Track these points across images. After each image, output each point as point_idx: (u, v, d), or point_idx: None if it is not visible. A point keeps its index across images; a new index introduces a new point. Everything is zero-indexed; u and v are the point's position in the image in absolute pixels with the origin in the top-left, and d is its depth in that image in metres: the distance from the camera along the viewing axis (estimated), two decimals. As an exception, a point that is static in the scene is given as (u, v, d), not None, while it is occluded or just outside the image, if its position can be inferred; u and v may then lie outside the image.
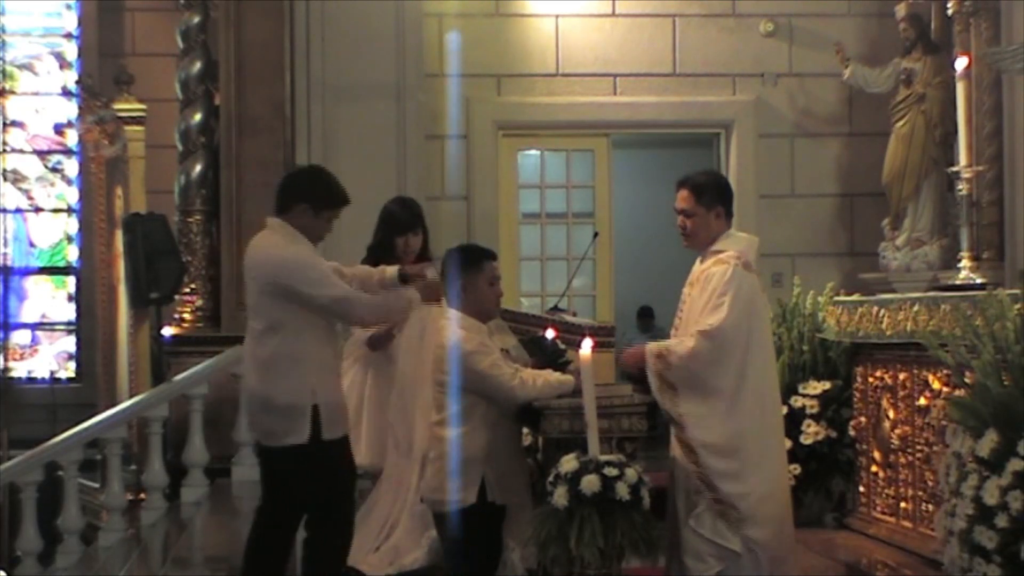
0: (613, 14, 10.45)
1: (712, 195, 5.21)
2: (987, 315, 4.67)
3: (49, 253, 13.25)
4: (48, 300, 13.24)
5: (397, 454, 6.13)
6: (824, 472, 7.08)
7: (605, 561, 4.70)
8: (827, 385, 7.10)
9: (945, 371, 5.78)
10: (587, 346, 4.82)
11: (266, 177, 9.55)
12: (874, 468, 6.72)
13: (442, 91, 10.11)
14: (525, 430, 5.54)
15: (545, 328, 5.70)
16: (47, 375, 13.02)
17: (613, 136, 10.62)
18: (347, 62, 9.34)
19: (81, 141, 12.35)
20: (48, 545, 8.75)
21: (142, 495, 8.94)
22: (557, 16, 10.38)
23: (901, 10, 9.81)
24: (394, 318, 5.78)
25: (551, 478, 4.79)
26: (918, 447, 6.29)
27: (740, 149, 10.50)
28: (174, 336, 9.70)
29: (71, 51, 13.27)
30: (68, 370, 13.06)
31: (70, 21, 13.28)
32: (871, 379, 6.73)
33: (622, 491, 4.67)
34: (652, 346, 5.14)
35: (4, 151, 12.97)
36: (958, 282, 6.04)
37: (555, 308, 6.44)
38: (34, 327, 13.18)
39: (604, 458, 4.76)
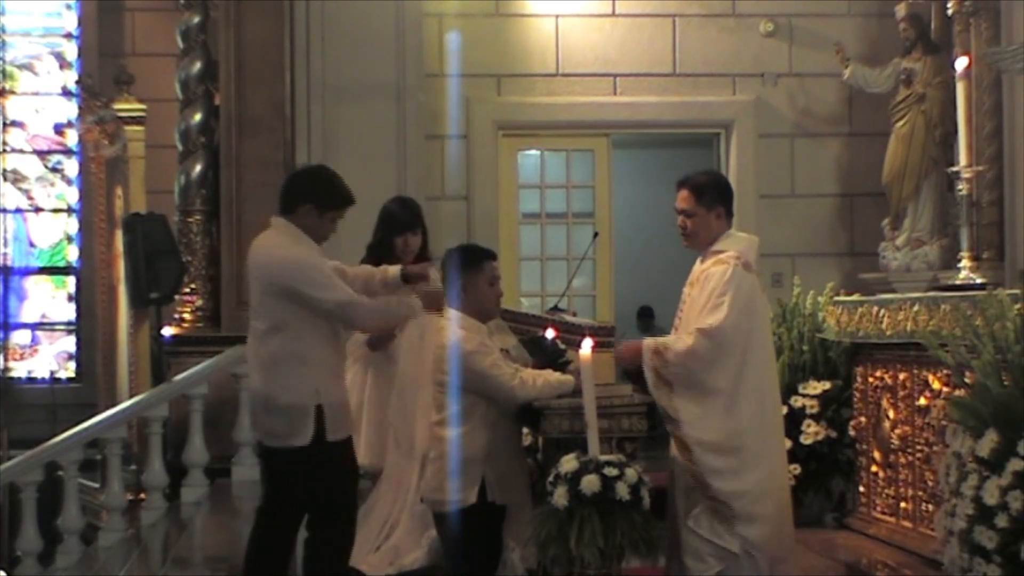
0: (613, 14, 10.45)
1: (712, 195, 5.21)
2: (987, 315, 4.67)
3: (49, 253, 13.26)
4: (48, 300, 13.24)
5: (398, 454, 6.13)
6: (824, 472, 7.08)
7: (605, 561, 4.70)
8: (827, 385, 7.10)
9: (945, 371, 5.78)
10: (587, 346, 4.82)
11: (266, 177, 9.57)
12: (874, 468, 6.72)
13: (442, 91, 10.11)
14: (525, 430, 5.54)
15: (545, 328, 5.70)
16: (47, 375, 13.02)
17: (613, 136, 10.62)
18: (347, 62, 9.34)
19: (81, 141, 12.36)
20: (48, 545, 8.75)
21: (142, 495, 8.94)
22: (557, 16, 10.38)
23: (901, 10, 9.81)
24: (395, 324, 5.78)
25: (551, 478, 4.79)
26: (918, 447, 6.29)
27: (740, 149, 10.50)
28: (174, 336, 9.70)
29: (71, 51, 13.27)
30: (68, 370, 13.06)
31: (70, 21, 13.28)
32: (871, 379, 6.73)
33: (622, 491, 4.67)
34: (649, 342, 5.14)
35: (4, 151, 12.98)
36: (958, 282, 6.04)
37: (555, 308, 6.44)
38: (34, 327, 13.19)
39: (604, 458, 4.76)
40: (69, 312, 13.14)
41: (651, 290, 12.38)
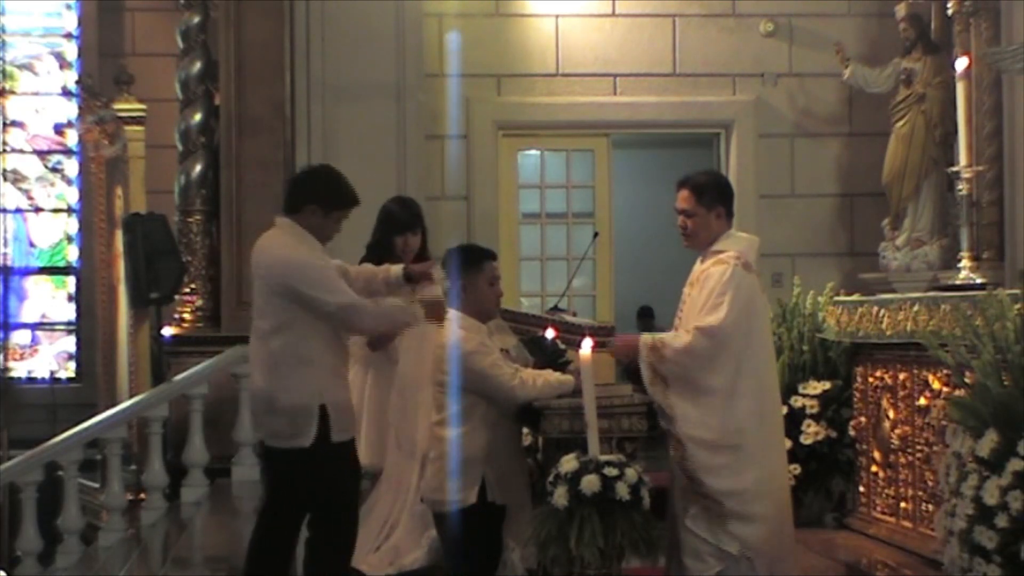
0: (613, 14, 10.45)
1: (713, 195, 5.22)
2: (987, 315, 4.67)
3: (49, 253, 13.25)
4: (48, 300, 13.24)
5: (398, 454, 6.13)
6: (824, 472, 7.08)
7: (605, 561, 4.70)
8: (827, 385, 7.10)
9: (945, 371, 5.79)
10: (587, 346, 4.83)
11: (266, 177, 9.58)
12: (874, 468, 6.72)
13: (442, 91, 10.11)
14: (525, 430, 5.54)
15: (545, 328, 5.70)
16: (47, 375, 13.01)
17: (613, 136, 10.62)
18: (347, 62, 9.34)
19: (81, 141, 12.35)
20: (48, 545, 8.75)
21: (142, 495, 8.94)
22: (557, 16, 10.38)
23: (901, 10, 9.81)
24: (397, 331, 5.77)
25: (551, 478, 4.79)
26: (918, 447, 6.29)
27: (740, 149, 10.50)
28: (174, 336, 9.70)
29: (71, 51, 13.27)
30: (68, 370, 13.06)
31: (70, 21, 13.28)
32: (871, 379, 6.73)
33: (622, 491, 4.67)
34: (646, 337, 5.14)
35: (4, 151, 12.97)
36: (958, 282, 6.04)
37: (555, 308, 6.44)
38: (34, 327, 13.18)
39: (604, 458, 4.76)
40: (69, 312, 13.14)
41: (651, 290, 12.39)
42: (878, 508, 6.68)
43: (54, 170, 13.28)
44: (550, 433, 5.07)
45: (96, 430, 8.78)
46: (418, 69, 9.58)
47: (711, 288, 5.06)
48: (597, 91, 10.43)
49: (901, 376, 6.43)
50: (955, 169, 6.24)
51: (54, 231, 13.27)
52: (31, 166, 13.24)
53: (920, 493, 6.26)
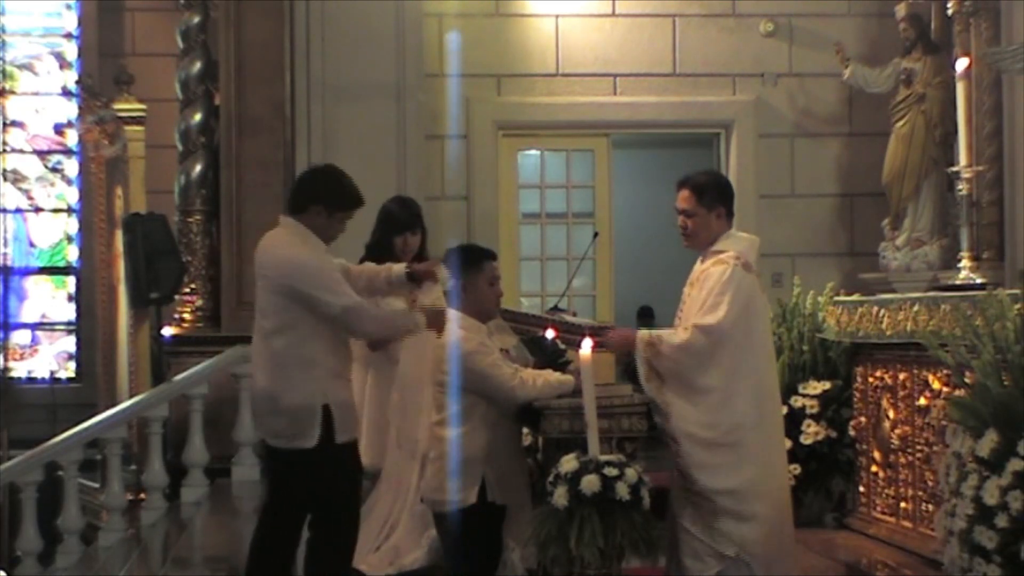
0: (613, 14, 10.45)
1: (713, 195, 5.21)
2: (987, 315, 4.67)
3: (49, 253, 13.25)
4: (48, 300, 13.24)
5: (399, 453, 6.13)
6: (824, 472, 7.08)
7: (605, 561, 4.70)
8: (827, 385, 7.10)
9: (945, 371, 5.79)
10: (587, 346, 4.82)
11: (266, 177, 9.58)
12: (874, 468, 6.72)
13: (442, 91, 10.11)
14: (525, 430, 5.54)
15: (545, 328, 5.70)
16: (47, 375, 13.02)
17: (613, 136, 10.62)
18: (347, 62, 9.34)
19: (81, 141, 12.35)
20: (48, 545, 8.75)
21: (142, 495, 8.94)
22: (557, 16, 10.38)
23: (901, 10, 9.81)
24: (397, 336, 5.75)
25: (551, 478, 4.79)
26: (918, 447, 6.29)
27: (740, 149, 10.50)
28: (174, 336, 9.70)
29: (71, 51, 13.27)
30: (68, 370, 13.06)
31: (70, 21, 13.28)
32: (871, 379, 6.73)
33: (622, 491, 4.67)
34: (643, 333, 5.14)
35: (4, 151, 12.97)
36: (958, 282, 6.04)
37: (555, 308, 6.44)
38: (34, 327, 13.18)
39: (604, 458, 4.76)
40: (69, 312, 13.14)
41: (651, 290, 12.39)
42: (878, 508, 6.68)
43: (54, 170, 13.28)
44: (550, 433, 5.07)
45: (96, 430, 8.78)
46: (418, 69, 9.58)
47: (710, 288, 5.06)
48: (597, 91, 10.43)
49: (901, 376, 6.43)
50: (955, 169, 6.24)
51: (54, 231, 13.27)
52: (31, 166, 13.25)
53: (920, 493, 6.26)
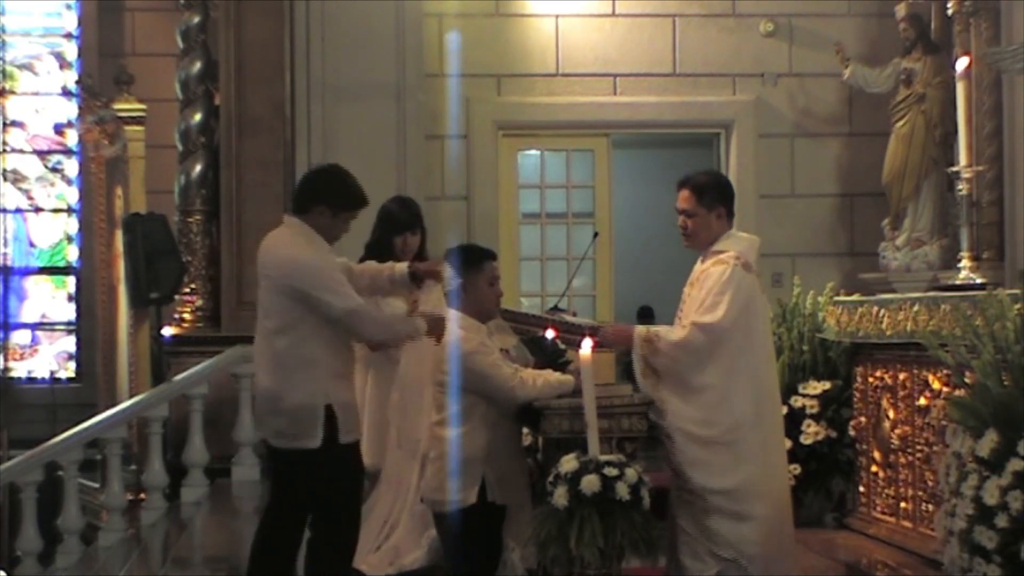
0: (613, 14, 10.45)
1: (713, 195, 5.22)
2: (987, 315, 4.67)
3: (49, 253, 13.25)
4: (48, 300, 13.24)
5: (399, 453, 6.12)
6: (824, 472, 7.08)
7: (605, 561, 4.70)
8: (827, 385, 7.10)
9: (945, 371, 5.79)
10: (587, 346, 4.82)
11: (266, 177, 9.59)
12: (874, 468, 6.72)
13: (442, 91, 10.10)
14: (525, 430, 5.54)
15: (545, 328, 5.70)
16: (47, 375, 13.02)
17: (613, 136, 10.62)
18: (347, 62, 9.34)
19: (81, 141, 12.35)
20: (48, 545, 8.76)
21: (142, 495, 8.95)
22: (557, 16, 10.38)
23: (901, 10, 9.81)
24: (399, 342, 5.74)
25: (551, 478, 4.79)
26: (918, 447, 6.29)
27: (740, 149, 10.50)
28: (174, 336, 9.70)
29: (71, 51, 13.27)
30: (68, 370, 13.06)
31: (70, 21, 13.28)
32: (871, 379, 6.73)
33: (622, 491, 4.67)
34: (641, 329, 5.15)
35: (4, 151, 12.97)
36: (958, 282, 6.04)
37: (555, 308, 6.44)
38: (34, 327, 13.18)
39: (604, 458, 4.76)
40: (69, 312, 13.14)
41: (651, 290, 12.39)
42: (878, 508, 6.68)
43: (54, 170, 13.28)
44: (550, 433, 5.07)
45: (96, 430, 8.78)
46: (418, 69, 9.58)
47: (710, 287, 5.07)
48: (597, 91, 10.42)
49: (901, 376, 6.43)
50: (955, 169, 6.24)
51: (54, 231, 13.27)
52: (31, 166, 13.25)
53: (920, 493, 6.26)
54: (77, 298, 13.04)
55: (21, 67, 13.27)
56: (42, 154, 13.28)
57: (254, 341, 5.35)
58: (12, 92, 13.16)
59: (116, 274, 10.60)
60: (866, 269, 10.02)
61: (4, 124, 12.98)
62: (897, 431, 6.46)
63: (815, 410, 7.06)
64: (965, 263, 6.11)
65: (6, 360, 12.49)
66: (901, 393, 6.44)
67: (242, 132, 9.71)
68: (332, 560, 5.25)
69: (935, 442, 5.97)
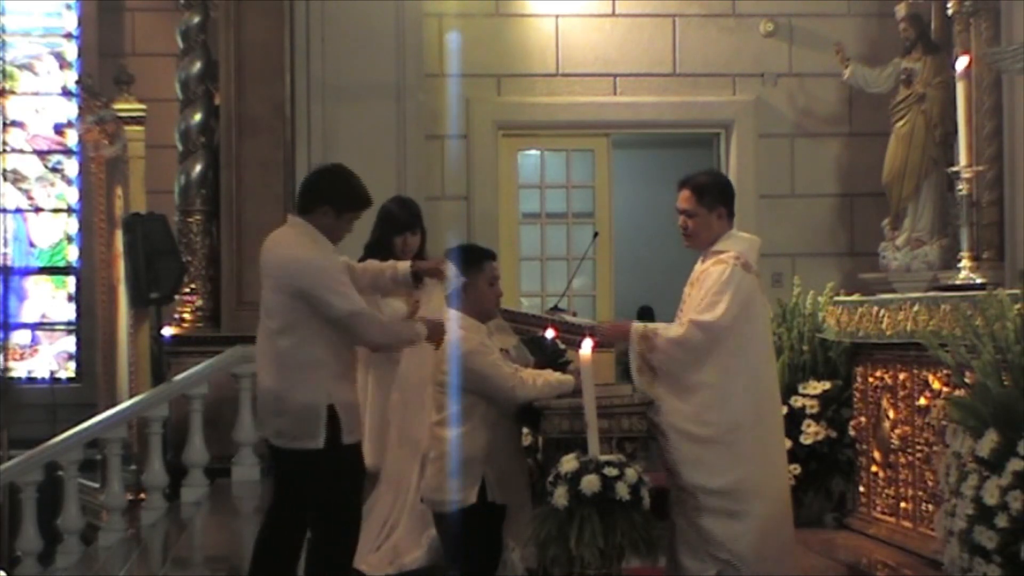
0: (613, 14, 10.44)
1: (714, 196, 5.22)
2: (987, 315, 4.67)
3: (49, 253, 13.26)
4: (48, 300, 13.25)
5: (400, 451, 6.12)
6: (824, 472, 7.08)
7: (605, 561, 4.70)
8: (827, 385, 7.10)
9: (945, 371, 5.78)
10: (587, 346, 4.82)
11: (266, 177, 9.59)
12: (874, 468, 6.72)
13: (442, 91, 10.10)
14: (525, 430, 5.54)
15: (545, 328, 5.70)
16: (47, 375, 13.02)
17: (613, 136, 10.61)
18: (347, 62, 9.34)
19: (81, 141, 12.36)
20: (48, 545, 8.76)
21: (142, 495, 8.95)
22: (557, 16, 10.38)
23: (901, 10, 9.81)
24: (398, 346, 5.74)
25: (551, 478, 4.79)
26: (918, 447, 6.29)
27: (740, 149, 10.50)
28: (174, 336, 9.70)
29: (71, 51, 13.27)
30: (68, 370, 13.06)
31: (70, 21, 13.28)
32: (871, 379, 6.73)
33: (622, 491, 4.67)
34: (638, 326, 5.15)
35: (4, 151, 12.97)
36: (958, 282, 6.03)
37: (555, 308, 6.44)
38: (34, 327, 13.19)
39: (604, 458, 4.76)
40: (69, 312, 13.14)
41: (651, 290, 12.39)
42: (878, 508, 6.67)
43: (54, 170, 13.28)
44: (550, 433, 5.07)
45: (96, 430, 8.78)
46: (418, 69, 9.57)
47: (709, 286, 5.07)
48: (597, 91, 10.42)
49: (901, 376, 6.43)
50: (955, 169, 6.23)
51: (54, 231, 13.28)
52: (31, 166, 13.25)
53: (920, 493, 6.26)
54: (77, 298, 13.05)
55: (21, 67, 13.28)
56: (42, 154, 13.29)
57: (256, 341, 5.33)
58: (12, 92, 13.16)
59: (116, 274, 10.61)
60: (866, 269, 10.02)
61: (4, 124, 12.99)
62: (897, 431, 6.46)
63: (815, 410, 7.06)
64: (965, 263, 6.11)
65: (6, 360, 12.49)
66: (901, 393, 6.44)
67: (242, 132, 9.71)
68: (332, 560, 5.25)
69: (935, 442, 5.97)
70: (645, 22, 10.44)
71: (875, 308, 6.49)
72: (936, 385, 6.07)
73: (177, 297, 9.72)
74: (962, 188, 6.18)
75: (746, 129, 10.49)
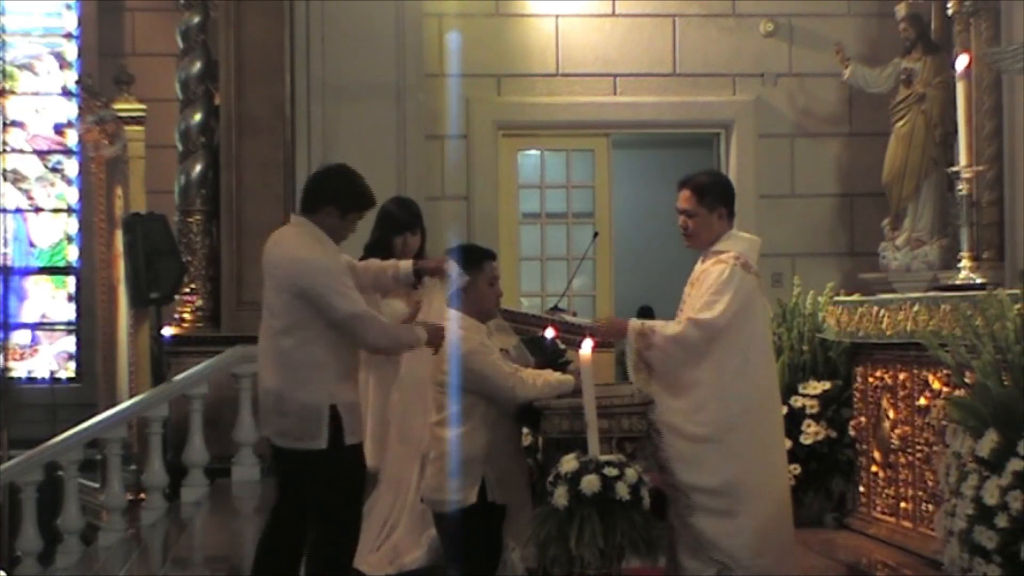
0: (613, 14, 10.44)
1: (714, 196, 5.22)
2: (987, 315, 4.67)
3: (49, 253, 13.26)
4: (48, 300, 13.25)
5: (401, 450, 6.11)
6: (824, 472, 7.08)
7: (605, 561, 4.70)
8: (827, 385, 7.10)
9: (945, 371, 5.78)
10: (587, 346, 4.82)
11: (266, 177, 9.59)
12: (874, 468, 6.72)
13: (442, 91, 10.10)
14: (525, 430, 5.54)
15: (545, 328, 5.70)
16: (47, 375, 13.03)
17: (613, 136, 10.61)
18: (347, 62, 9.34)
19: (81, 141, 12.37)
20: (48, 545, 8.76)
21: (142, 495, 8.95)
22: (557, 16, 10.38)
23: (901, 10, 9.81)
24: (398, 350, 5.73)
25: (551, 478, 4.79)
26: (918, 447, 6.29)
27: (740, 149, 10.50)
28: (174, 336, 9.70)
29: (71, 51, 13.28)
30: (68, 370, 13.07)
31: (70, 21, 13.29)
32: (871, 379, 6.73)
33: (622, 491, 4.67)
34: (635, 323, 5.15)
35: (4, 151, 12.97)
36: (958, 282, 6.03)
37: (555, 308, 6.45)
38: (34, 327, 13.19)
39: (604, 458, 4.76)
40: (69, 312, 13.15)
41: (651, 290, 12.37)
42: (878, 508, 6.67)
43: (54, 170, 13.29)
44: (550, 433, 5.07)
45: (96, 430, 8.79)
46: (418, 69, 9.57)
47: (708, 286, 5.08)
48: (597, 91, 10.42)
49: (901, 376, 6.43)
50: (955, 169, 6.23)
51: (54, 231, 13.28)
52: (31, 166, 13.26)
53: (920, 493, 6.26)
54: (77, 298, 13.05)
55: (21, 67, 13.28)
56: (42, 154, 13.29)
57: (259, 340, 5.32)
58: (12, 92, 13.17)
59: (116, 274, 10.61)
60: (866, 269, 10.02)
61: (4, 124, 12.99)
62: (897, 431, 6.46)
63: (815, 410, 7.06)
64: (965, 263, 6.11)
65: (6, 360, 12.49)
66: (901, 393, 6.43)
67: (242, 132, 9.72)
68: (333, 561, 5.24)
69: (935, 442, 5.97)
70: (645, 22, 10.44)
71: (875, 308, 6.49)
72: (936, 385, 6.07)
73: (177, 297, 9.73)
74: (962, 188, 6.18)
75: (746, 129, 10.49)
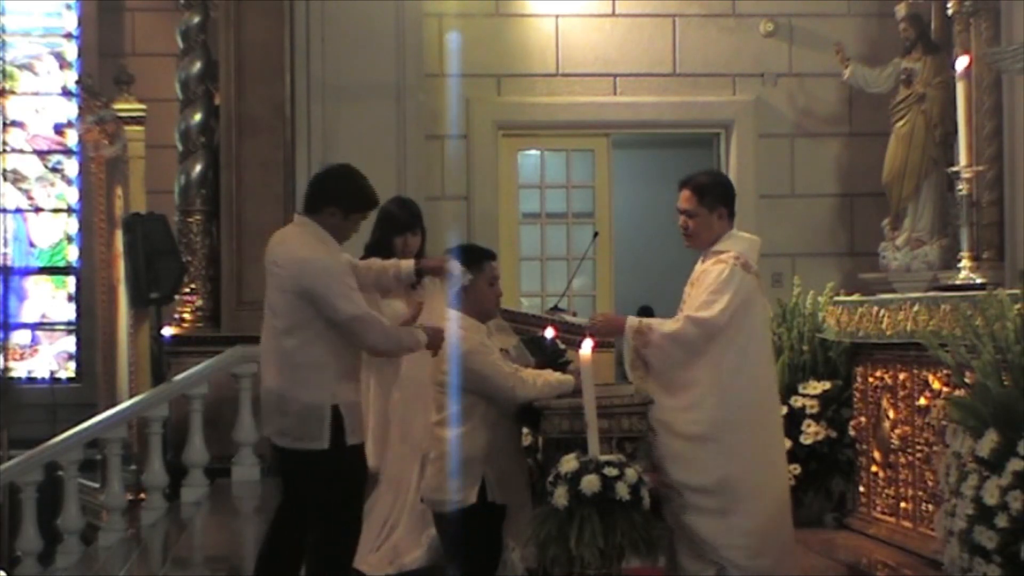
0: (613, 14, 10.45)
1: (714, 196, 5.22)
2: (987, 315, 4.67)
3: (49, 253, 13.26)
4: (48, 300, 13.25)
5: (402, 449, 6.11)
6: (824, 472, 7.08)
7: (605, 561, 4.70)
8: (827, 385, 7.10)
9: (945, 371, 5.78)
10: (587, 346, 4.82)
11: (266, 177, 9.59)
12: (874, 468, 6.72)
13: (442, 91, 10.10)
14: (525, 430, 5.54)
15: (545, 328, 5.70)
16: (47, 375, 13.02)
17: (613, 136, 10.61)
18: (347, 62, 9.34)
19: (81, 141, 12.37)
20: (48, 545, 8.76)
21: (142, 495, 8.95)
22: (557, 16, 10.38)
23: (901, 10, 9.81)
24: (399, 353, 5.72)
25: (551, 478, 4.79)
26: (918, 447, 6.29)
27: (740, 149, 10.50)
28: (174, 336, 9.70)
29: (71, 51, 13.28)
30: (68, 370, 13.07)
31: (70, 21, 13.29)
32: (871, 379, 6.73)
33: (622, 491, 4.67)
34: (633, 321, 5.15)
35: (4, 151, 12.97)
36: (958, 282, 6.03)
37: (555, 308, 6.45)
38: (34, 327, 13.19)
39: (604, 458, 4.76)
40: (69, 312, 13.15)
41: (651, 290, 12.36)
42: (878, 508, 6.67)
43: (54, 170, 13.29)
44: (550, 433, 5.07)
45: (96, 430, 8.78)
46: (418, 69, 9.57)
47: (707, 285, 5.08)
48: (597, 91, 10.42)
49: (901, 376, 6.43)
50: (955, 169, 6.23)
51: (54, 231, 13.28)
52: (31, 166, 13.25)
53: (920, 493, 6.26)
54: (77, 298, 13.05)
55: (21, 67, 13.28)
56: (42, 154, 13.29)
57: (261, 339, 5.31)
58: (12, 92, 13.17)
59: (116, 274, 10.61)
60: (866, 269, 10.02)
61: (4, 124, 12.99)
62: (897, 431, 6.46)
63: (815, 410, 7.06)
64: (965, 263, 6.11)
65: (6, 360, 12.49)
66: (901, 393, 6.44)
67: (242, 132, 9.72)
68: (333, 561, 5.24)
69: (935, 442, 5.97)
70: (645, 22, 10.44)
71: (875, 308, 6.49)
72: (936, 385, 6.07)
73: (177, 297, 9.72)
74: (962, 188, 6.18)
75: (746, 129, 10.49)
